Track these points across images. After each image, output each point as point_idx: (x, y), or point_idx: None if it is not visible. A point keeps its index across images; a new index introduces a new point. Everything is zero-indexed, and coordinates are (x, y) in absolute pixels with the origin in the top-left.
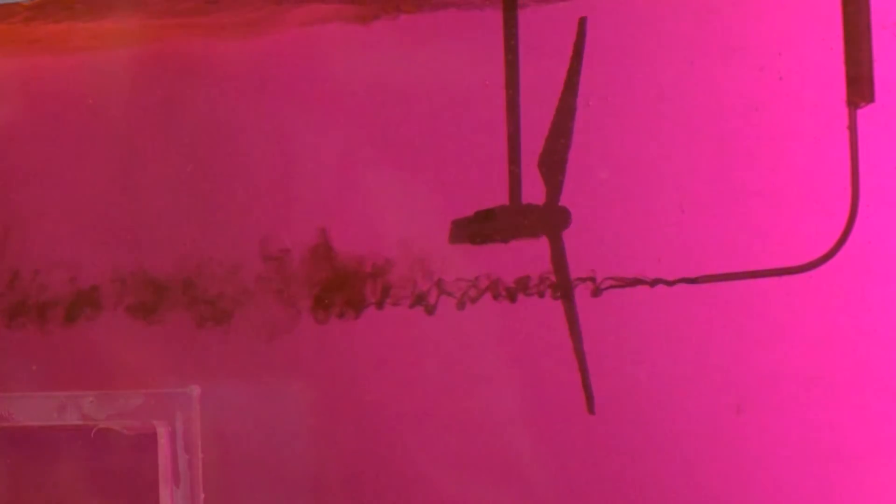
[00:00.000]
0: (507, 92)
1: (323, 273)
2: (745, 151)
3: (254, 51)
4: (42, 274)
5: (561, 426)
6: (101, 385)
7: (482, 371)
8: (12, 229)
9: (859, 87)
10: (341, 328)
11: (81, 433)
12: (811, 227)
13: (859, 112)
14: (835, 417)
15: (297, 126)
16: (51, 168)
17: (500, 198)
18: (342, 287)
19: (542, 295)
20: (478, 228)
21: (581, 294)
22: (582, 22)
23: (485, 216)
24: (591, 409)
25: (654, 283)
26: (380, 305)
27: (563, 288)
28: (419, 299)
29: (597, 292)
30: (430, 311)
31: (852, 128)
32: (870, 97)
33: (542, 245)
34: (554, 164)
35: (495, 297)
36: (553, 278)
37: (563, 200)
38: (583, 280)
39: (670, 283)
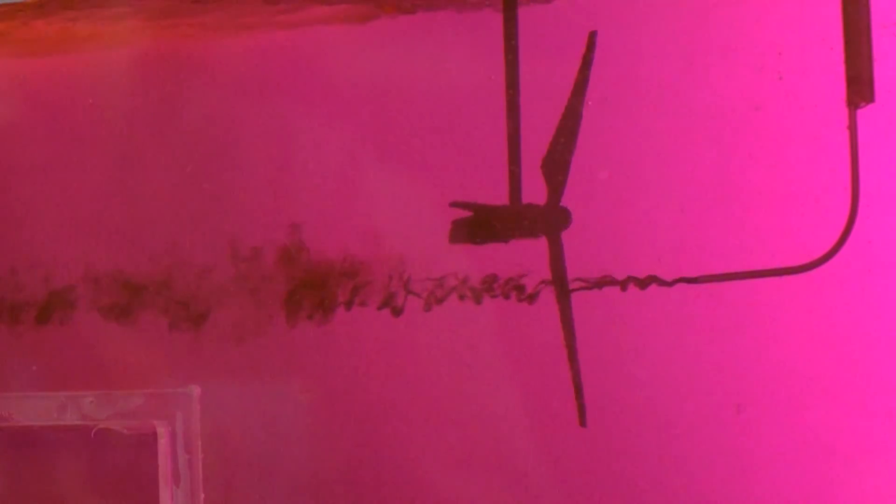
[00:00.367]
0: (507, 92)
1: (320, 273)
2: (745, 151)
3: (253, 51)
4: (19, 273)
5: (561, 426)
6: (97, 385)
7: (481, 370)
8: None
9: (859, 87)
10: (341, 328)
11: (81, 433)
12: (811, 227)
13: (859, 112)
14: (834, 417)
15: (295, 126)
16: (43, 168)
17: (500, 198)
18: (355, 286)
19: (532, 298)
20: (478, 228)
21: (581, 294)
22: (592, 36)
23: (485, 216)
24: (583, 421)
25: (654, 283)
26: (392, 308)
27: (559, 290)
28: (432, 298)
29: (595, 286)
30: (428, 308)
31: (852, 128)
32: (870, 97)
33: (539, 245)
34: (557, 165)
35: (505, 297)
36: (522, 280)
37: (564, 200)
38: (583, 280)
39: (670, 283)
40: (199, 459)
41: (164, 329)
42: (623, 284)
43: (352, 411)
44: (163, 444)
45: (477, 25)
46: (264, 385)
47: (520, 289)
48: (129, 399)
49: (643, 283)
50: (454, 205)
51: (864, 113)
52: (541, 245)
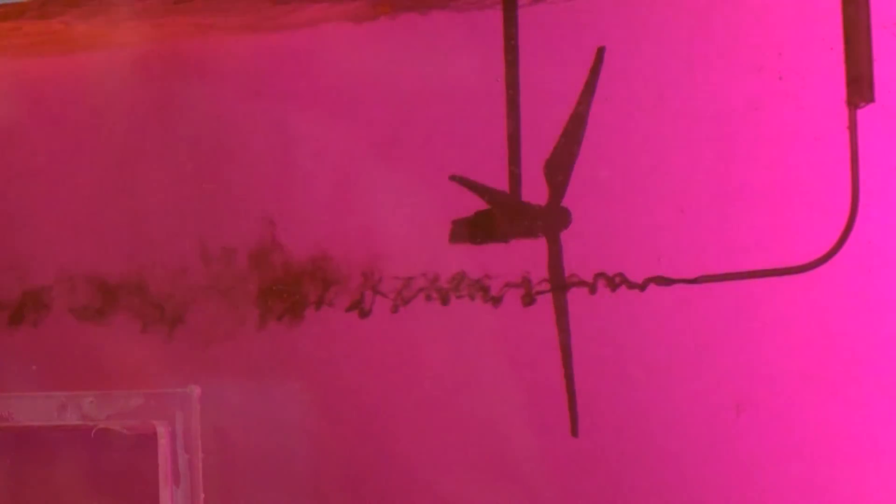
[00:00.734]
0: (508, 92)
1: (330, 271)
2: (745, 151)
3: (253, 51)
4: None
5: (559, 426)
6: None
7: (479, 371)
8: None
9: (859, 87)
10: (341, 327)
11: (81, 433)
12: (811, 227)
13: (859, 112)
14: (834, 417)
15: (295, 127)
16: (41, 169)
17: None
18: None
19: (533, 298)
20: (478, 228)
21: (581, 294)
22: (600, 51)
23: (485, 216)
24: (574, 431)
25: (654, 283)
26: (402, 300)
27: (556, 291)
28: (442, 298)
29: (594, 289)
30: (445, 302)
31: (852, 128)
32: (870, 97)
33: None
34: (559, 168)
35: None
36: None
37: (564, 200)
38: (582, 279)
39: (669, 283)
40: (199, 459)
41: (159, 330)
42: (622, 284)
43: (352, 410)
44: (163, 444)
45: (477, 25)
46: (247, 384)
47: (519, 288)
48: (129, 399)
49: (643, 284)
50: (453, 178)
51: (864, 113)
52: (531, 246)
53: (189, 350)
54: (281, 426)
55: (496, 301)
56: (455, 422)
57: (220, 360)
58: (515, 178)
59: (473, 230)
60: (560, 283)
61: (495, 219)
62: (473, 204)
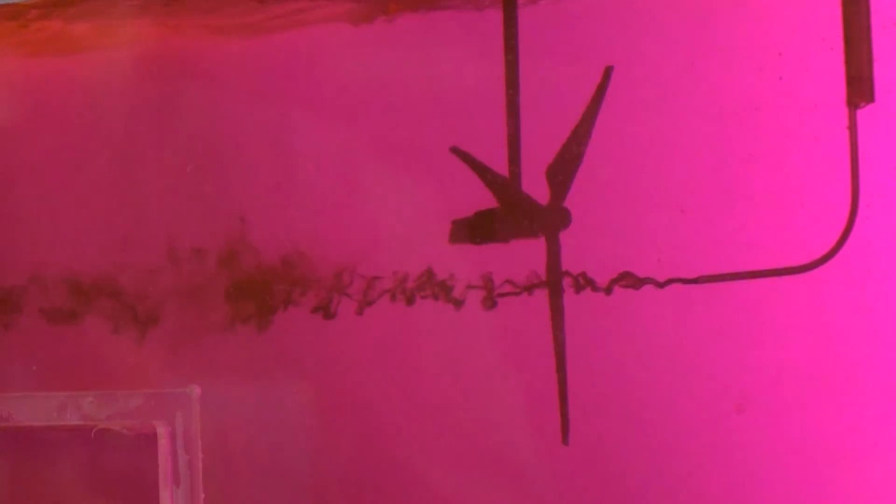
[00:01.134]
0: (507, 92)
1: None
2: (745, 151)
3: (253, 51)
4: None
5: (559, 426)
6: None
7: (476, 370)
8: None
9: (859, 87)
10: (339, 327)
11: (81, 433)
12: (811, 227)
13: (859, 112)
14: (835, 417)
15: (295, 127)
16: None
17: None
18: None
19: (494, 301)
20: (478, 228)
21: (580, 294)
22: (608, 70)
23: (485, 216)
24: (565, 439)
25: (654, 283)
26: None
27: (552, 292)
28: (451, 301)
29: (595, 288)
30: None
31: (852, 128)
32: (870, 97)
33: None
34: (563, 173)
35: (489, 304)
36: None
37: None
38: (582, 280)
39: (669, 283)
40: (199, 459)
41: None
42: (622, 284)
43: (352, 410)
44: (163, 444)
45: (477, 25)
46: (247, 384)
47: (519, 286)
48: (129, 399)
49: (642, 284)
50: (453, 150)
51: (864, 113)
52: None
53: (189, 350)
54: (281, 426)
55: (492, 304)
56: (457, 423)
57: (221, 360)
58: (515, 178)
59: (473, 231)
60: (557, 284)
61: (495, 219)
62: (467, 203)
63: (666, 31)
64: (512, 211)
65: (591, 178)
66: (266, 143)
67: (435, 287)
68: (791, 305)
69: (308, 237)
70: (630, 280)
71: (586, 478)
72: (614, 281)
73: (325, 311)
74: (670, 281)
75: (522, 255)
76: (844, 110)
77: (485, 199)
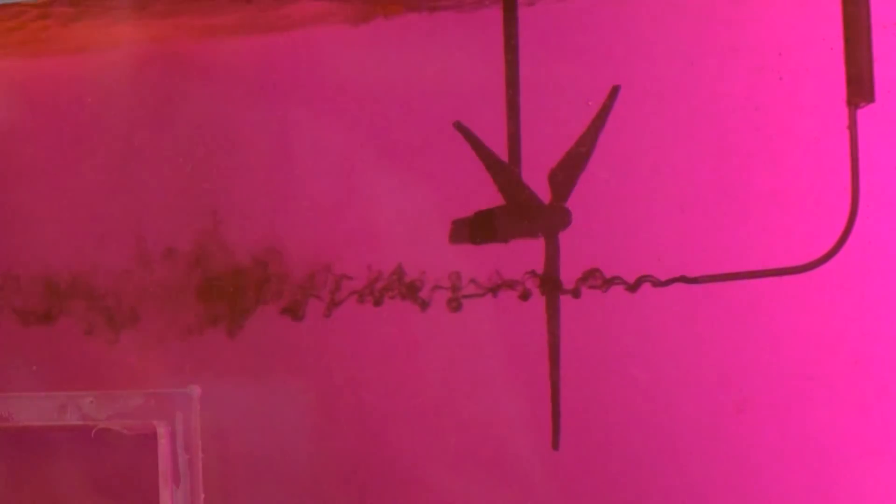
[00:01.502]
0: (507, 92)
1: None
2: (745, 151)
3: (253, 51)
4: None
5: (563, 426)
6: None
7: (475, 370)
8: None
9: (859, 87)
10: (340, 327)
11: (81, 433)
12: (811, 227)
13: (859, 112)
14: (835, 417)
15: (295, 127)
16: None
17: (499, 198)
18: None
19: (460, 303)
20: (478, 228)
21: (580, 294)
22: (615, 89)
23: (485, 216)
24: (556, 444)
25: (654, 282)
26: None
27: (549, 292)
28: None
29: (603, 287)
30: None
31: (852, 128)
32: (870, 97)
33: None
34: (565, 176)
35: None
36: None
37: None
38: (583, 280)
39: (669, 283)
40: (199, 459)
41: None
42: (622, 284)
43: (352, 410)
44: (163, 444)
45: (477, 25)
46: (247, 384)
47: (512, 286)
48: (129, 399)
49: (642, 284)
50: (456, 125)
51: (864, 113)
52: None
53: (191, 350)
54: (281, 426)
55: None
56: (458, 424)
57: (221, 360)
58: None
59: (473, 230)
60: (555, 284)
61: (495, 219)
62: (466, 204)
63: (666, 31)
64: (511, 196)
65: (590, 178)
66: (266, 144)
67: (435, 288)
68: (791, 305)
69: (308, 237)
70: (629, 280)
71: (586, 478)
72: (613, 281)
73: (376, 300)
74: (670, 281)
75: (523, 255)
76: (844, 110)
77: (484, 200)
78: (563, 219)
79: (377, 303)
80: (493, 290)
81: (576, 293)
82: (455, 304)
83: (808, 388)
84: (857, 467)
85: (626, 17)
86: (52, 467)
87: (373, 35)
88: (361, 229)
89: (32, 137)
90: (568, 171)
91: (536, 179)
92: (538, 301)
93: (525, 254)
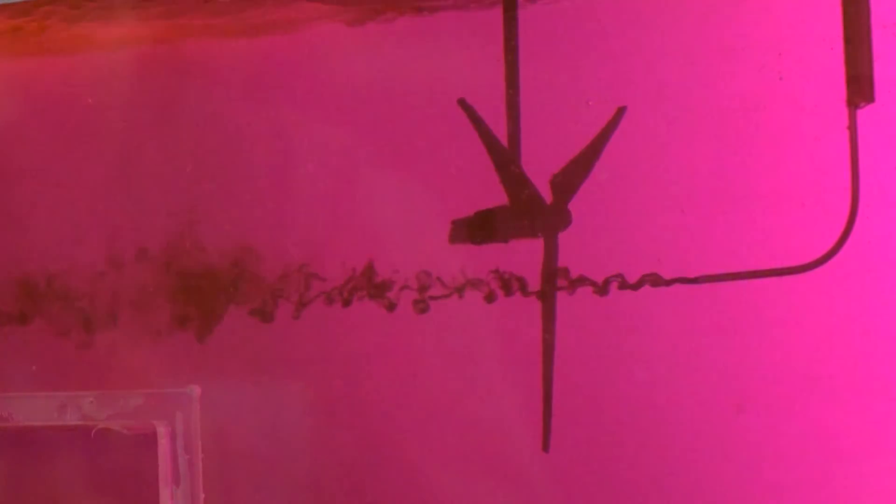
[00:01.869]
0: (507, 92)
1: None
2: (745, 151)
3: (253, 51)
4: None
5: (560, 426)
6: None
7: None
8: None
9: (859, 87)
10: (342, 326)
11: (81, 433)
12: (811, 227)
13: (859, 112)
14: (835, 417)
15: (294, 127)
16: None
17: (500, 198)
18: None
19: (427, 305)
20: (478, 228)
21: (579, 294)
22: (620, 110)
23: (485, 216)
24: (546, 446)
25: (654, 282)
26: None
27: (546, 292)
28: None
29: (601, 290)
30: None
31: (852, 128)
32: (870, 97)
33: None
34: (567, 184)
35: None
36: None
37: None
38: (583, 280)
39: (669, 283)
40: (199, 459)
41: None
42: (621, 284)
43: (351, 410)
44: (163, 444)
45: (477, 25)
46: (247, 384)
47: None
48: (129, 399)
49: (642, 284)
50: (460, 102)
51: (864, 113)
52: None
53: (190, 350)
54: (281, 426)
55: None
56: (459, 425)
57: (221, 360)
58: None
59: (473, 230)
60: (552, 285)
61: (495, 219)
62: (466, 204)
63: (666, 31)
64: (511, 183)
65: (590, 178)
66: (265, 144)
67: (435, 287)
68: (791, 305)
69: (310, 238)
70: (629, 280)
71: (586, 477)
72: (612, 281)
73: (389, 303)
74: (670, 281)
75: (522, 255)
76: (844, 110)
77: (483, 200)
78: (564, 219)
79: (389, 307)
80: (487, 294)
81: (572, 292)
82: (421, 307)
83: (808, 388)
84: (858, 467)
85: (626, 17)
86: (52, 467)
87: (372, 36)
88: (362, 229)
89: (16, 138)
90: (571, 177)
91: (536, 179)
92: (535, 302)
93: (525, 254)
